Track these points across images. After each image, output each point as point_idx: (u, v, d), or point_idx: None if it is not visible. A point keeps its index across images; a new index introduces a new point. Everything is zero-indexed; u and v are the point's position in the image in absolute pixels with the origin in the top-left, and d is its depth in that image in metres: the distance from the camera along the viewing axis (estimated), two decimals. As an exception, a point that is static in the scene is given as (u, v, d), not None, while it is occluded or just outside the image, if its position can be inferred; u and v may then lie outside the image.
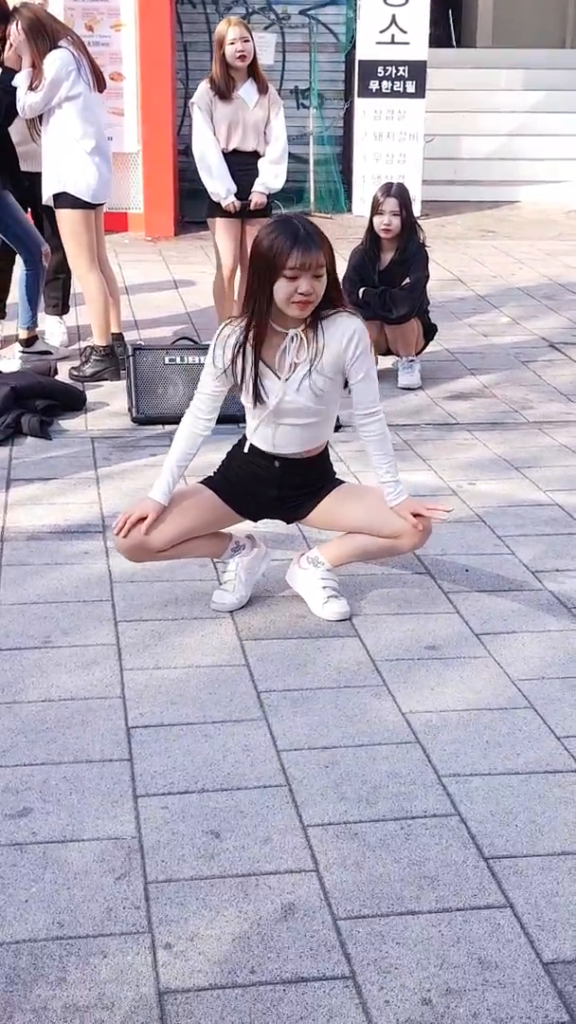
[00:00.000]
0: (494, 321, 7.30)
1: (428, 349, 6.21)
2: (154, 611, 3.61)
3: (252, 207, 6.19)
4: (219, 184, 6.14)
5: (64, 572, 3.88)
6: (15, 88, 5.62)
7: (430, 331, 6.13)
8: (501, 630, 3.54)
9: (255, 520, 3.72)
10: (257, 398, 3.38)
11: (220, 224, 6.30)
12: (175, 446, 3.50)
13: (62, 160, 5.72)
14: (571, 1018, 2.11)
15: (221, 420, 3.55)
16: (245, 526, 3.74)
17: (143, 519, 3.45)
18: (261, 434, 3.49)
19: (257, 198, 6.19)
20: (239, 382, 3.40)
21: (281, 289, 3.23)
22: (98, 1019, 2.10)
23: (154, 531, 3.47)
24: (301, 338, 3.34)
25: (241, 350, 3.35)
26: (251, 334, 3.33)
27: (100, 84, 5.86)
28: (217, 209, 6.23)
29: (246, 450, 3.54)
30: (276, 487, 3.56)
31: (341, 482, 3.66)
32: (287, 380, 3.37)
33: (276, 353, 3.36)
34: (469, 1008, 2.13)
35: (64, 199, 5.77)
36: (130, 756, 2.87)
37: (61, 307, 6.65)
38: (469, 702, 3.15)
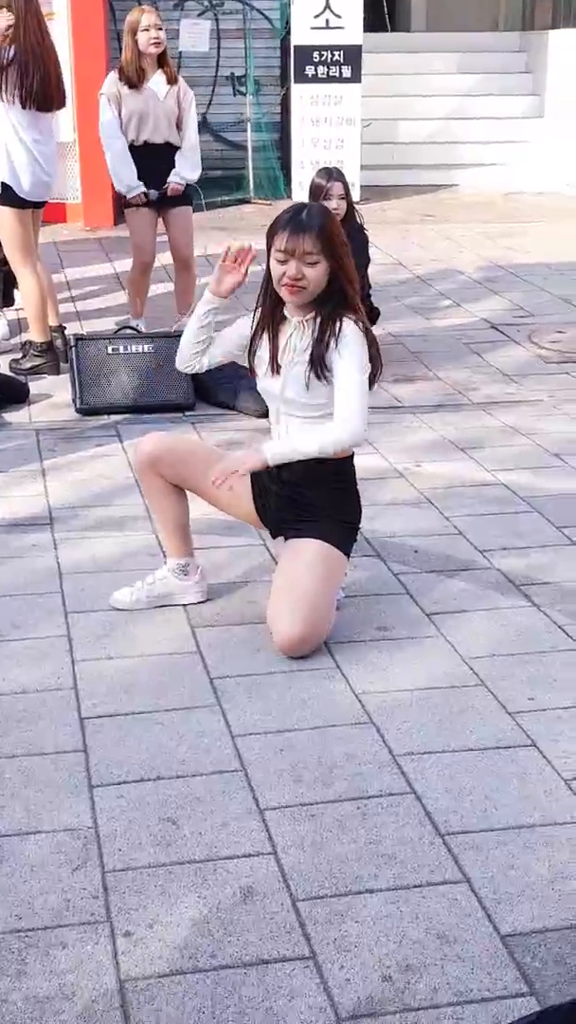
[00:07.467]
0: (436, 304, 7.32)
1: (371, 333, 6.23)
2: (104, 602, 3.58)
3: (169, 193, 6.16)
4: (122, 180, 6.12)
5: (12, 565, 3.85)
6: None
7: (372, 314, 6.14)
8: (451, 610, 3.57)
9: (261, 523, 3.54)
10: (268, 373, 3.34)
11: (133, 215, 6.27)
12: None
13: (2, 155, 5.64)
14: (530, 989, 2.13)
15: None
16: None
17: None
18: (274, 431, 3.43)
19: (174, 186, 6.16)
20: (253, 361, 3.38)
21: (273, 270, 3.22)
22: (59, 1009, 2.09)
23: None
24: (300, 328, 3.28)
25: (260, 331, 3.34)
26: (264, 314, 3.31)
27: (46, 102, 5.66)
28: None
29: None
30: (276, 482, 3.38)
31: (326, 529, 3.36)
32: (286, 367, 3.29)
33: (283, 340, 3.32)
34: (429, 983, 2.15)
35: (5, 195, 5.69)
36: (84, 747, 2.86)
37: (2, 299, 6.57)
38: (422, 681, 3.17)
